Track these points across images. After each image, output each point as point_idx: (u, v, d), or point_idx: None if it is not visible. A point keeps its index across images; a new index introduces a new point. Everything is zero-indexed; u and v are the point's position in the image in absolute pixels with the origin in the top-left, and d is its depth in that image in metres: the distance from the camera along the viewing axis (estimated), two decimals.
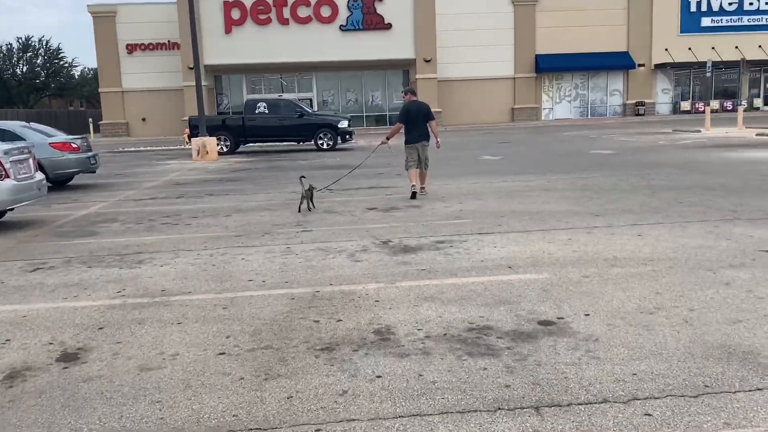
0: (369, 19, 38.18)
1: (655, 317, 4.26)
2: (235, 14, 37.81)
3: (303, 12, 38.10)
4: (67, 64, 67.07)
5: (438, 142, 10.64)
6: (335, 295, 5.03)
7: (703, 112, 42.53)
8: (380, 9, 38.16)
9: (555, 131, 30.05)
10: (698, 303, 4.53)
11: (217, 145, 22.48)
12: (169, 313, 4.72)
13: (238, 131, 22.80)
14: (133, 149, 27.14)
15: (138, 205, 10.78)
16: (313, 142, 23.02)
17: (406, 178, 10.81)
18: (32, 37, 66.90)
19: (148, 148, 27.30)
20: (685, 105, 42.69)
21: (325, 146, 22.84)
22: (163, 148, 27.00)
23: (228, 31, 37.95)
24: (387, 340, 4.02)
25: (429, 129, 10.35)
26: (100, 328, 4.44)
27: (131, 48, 40.06)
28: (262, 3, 37.78)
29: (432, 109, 10.85)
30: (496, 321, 4.29)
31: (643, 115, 41.42)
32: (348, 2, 38.10)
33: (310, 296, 5.04)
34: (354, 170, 13.03)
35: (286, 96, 40.82)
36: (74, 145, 13.48)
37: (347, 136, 23.06)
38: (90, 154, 13.92)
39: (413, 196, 10.01)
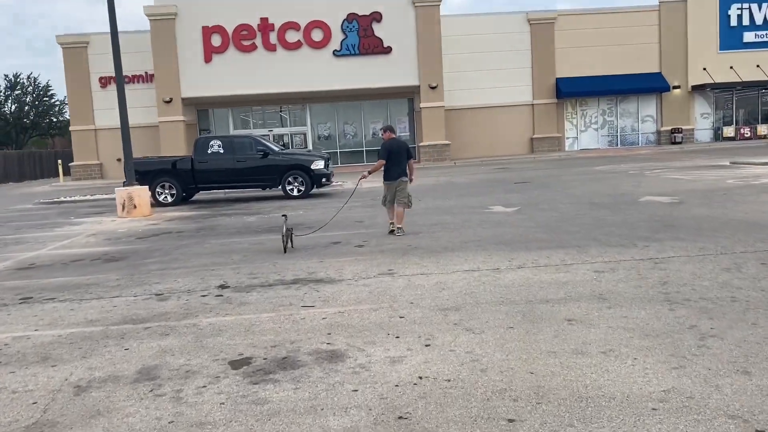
0: (366, 43, 33.78)
1: None
2: (216, 41, 33.62)
3: (292, 37, 33.83)
4: (58, 102, 63.59)
5: (413, 179, 10.46)
6: None
7: (750, 138, 37.48)
8: (378, 31, 33.77)
9: (583, 165, 25.11)
10: None
11: (160, 194, 18.03)
12: None
13: (187, 177, 18.21)
14: (77, 198, 22.69)
15: None
16: (281, 188, 18.36)
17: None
18: (20, 74, 63.71)
19: (95, 197, 22.80)
20: (728, 131, 37.48)
21: (295, 192, 18.11)
22: (110, 196, 22.47)
23: (208, 59, 33.72)
24: None
25: (407, 167, 10.26)
26: None
27: (105, 81, 36.01)
28: (246, 27, 33.56)
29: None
30: None
31: (680, 143, 36.27)
32: (342, 24, 33.77)
33: None
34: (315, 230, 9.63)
35: (278, 131, 36.72)
36: None
37: (323, 180, 18.34)
38: None
39: (391, 232, 10.12)
